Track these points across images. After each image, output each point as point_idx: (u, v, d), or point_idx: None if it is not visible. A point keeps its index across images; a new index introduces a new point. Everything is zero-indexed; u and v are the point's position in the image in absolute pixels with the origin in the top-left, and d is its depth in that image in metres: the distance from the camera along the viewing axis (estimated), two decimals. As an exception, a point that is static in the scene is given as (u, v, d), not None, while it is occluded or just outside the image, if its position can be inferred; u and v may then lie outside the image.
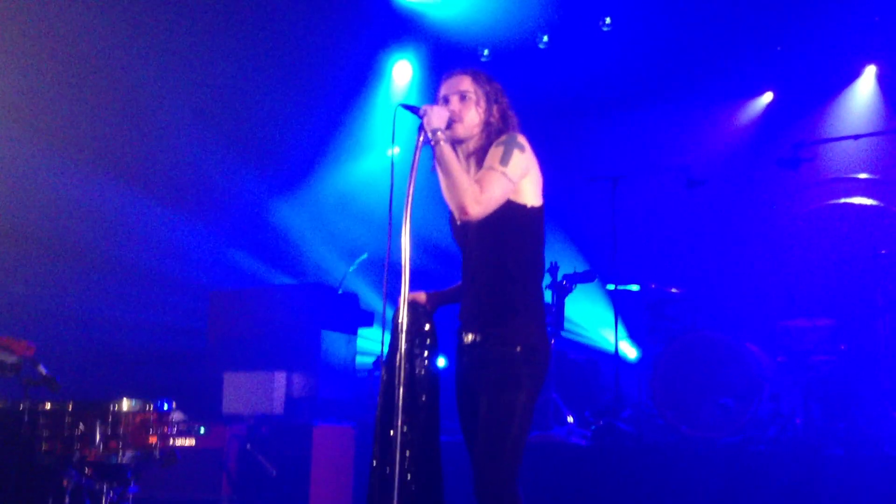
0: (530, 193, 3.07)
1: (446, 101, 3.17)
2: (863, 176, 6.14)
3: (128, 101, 7.14)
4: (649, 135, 7.91)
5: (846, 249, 5.74)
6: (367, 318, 7.04)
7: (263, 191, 8.29)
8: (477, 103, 3.16)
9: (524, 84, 7.38)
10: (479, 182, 2.99)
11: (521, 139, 3.07)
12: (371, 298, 7.57)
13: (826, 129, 7.43)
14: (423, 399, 3.13)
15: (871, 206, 5.78)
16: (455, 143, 3.15)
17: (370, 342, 7.38)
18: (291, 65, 8.03)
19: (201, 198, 7.78)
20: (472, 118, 3.14)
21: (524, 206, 3.06)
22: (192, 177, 7.63)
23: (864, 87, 7.66)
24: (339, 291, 6.80)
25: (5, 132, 6.42)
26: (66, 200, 6.81)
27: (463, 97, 3.15)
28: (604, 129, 8.10)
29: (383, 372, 3.17)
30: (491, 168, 3.00)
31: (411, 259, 2.92)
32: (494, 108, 3.18)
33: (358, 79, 8.62)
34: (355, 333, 6.96)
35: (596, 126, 8.14)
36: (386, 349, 3.20)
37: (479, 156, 3.13)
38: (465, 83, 3.18)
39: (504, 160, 2.99)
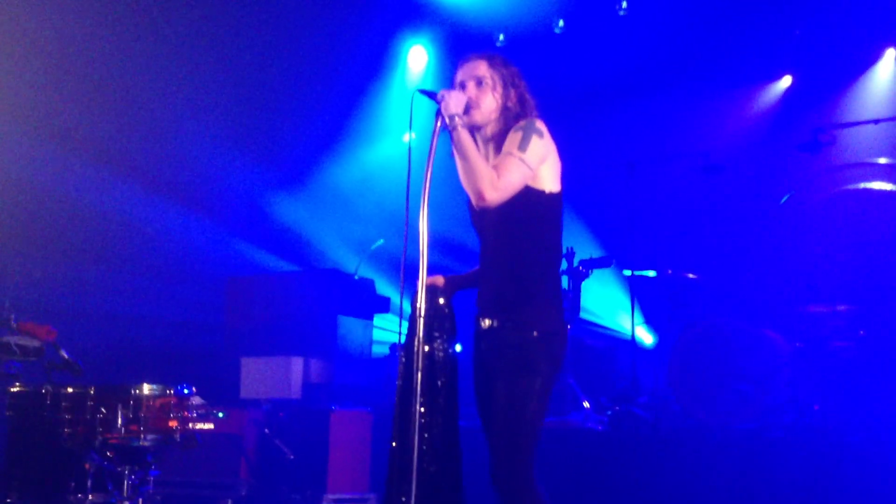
0: (548, 179, 3.06)
1: (463, 86, 3.16)
2: (883, 161, 6.09)
3: (140, 90, 7.15)
4: (666, 120, 7.85)
5: (865, 235, 5.69)
6: (384, 304, 7.05)
7: (278, 178, 8.30)
8: (494, 88, 3.14)
9: (540, 69, 7.32)
10: (496, 168, 2.98)
11: (540, 125, 3.05)
12: (387, 284, 7.58)
13: (846, 113, 7.35)
14: (442, 382, 3.14)
15: (891, 192, 5.73)
16: (473, 128, 3.14)
17: (386, 330, 7.40)
18: (305, 51, 8.03)
19: (216, 185, 7.80)
20: (490, 103, 3.13)
21: (542, 192, 3.05)
22: (206, 166, 7.65)
23: (885, 71, 7.58)
24: (356, 277, 6.82)
25: (20, 129, 6.47)
26: (84, 195, 6.85)
27: (479, 82, 3.14)
28: (621, 114, 8.05)
29: (402, 356, 3.19)
30: (509, 154, 2.99)
31: (428, 246, 2.92)
32: (512, 92, 3.16)
33: (372, 64, 8.60)
34: (371, 319, 6.98)
35: (613, 111, 8.09)
36: (404, 334, 3.21)
37: (498, 141, 3.12)
38: (482, 68, 3.16)
39: (522, 146, 2.98)
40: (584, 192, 7.34)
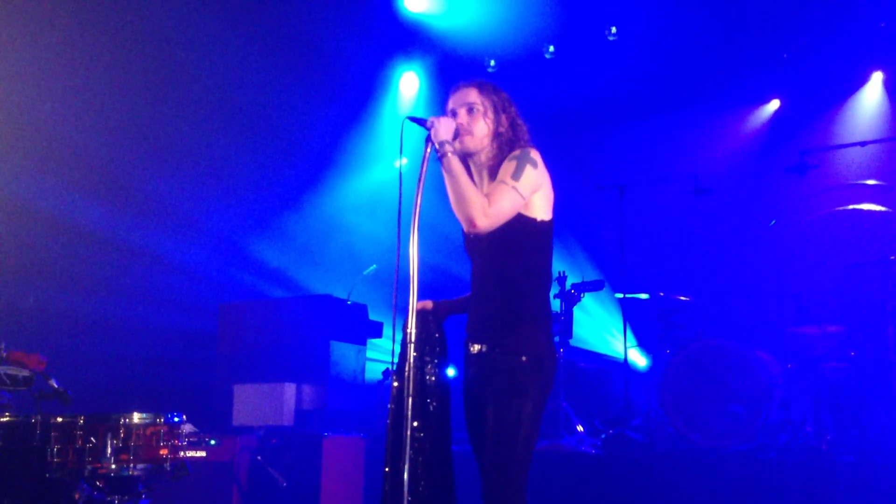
0: (541, 208, 3.09)
1: (454, 114, 3.18)
2: (870, 182, 6.14)
3: (134, 115, 7.18)
4: (656, 143, 7.91)
5: (855, 256, 5.73)
6: (377, 329, 7.04)
7: (271, 204, 8.32)
8: (485, 114, 3.17)
9: (531, 94, 7.38)
10: (489, 195, 3.01)
11: (535, 154, 3.08)
12: (380, 310, 7.57)
13: (833, 135, 7.42)
14: (434, 406, 3.14)
15: (879, 213, 5.77)
16: (466, 155, 3.17)
17: (380, 353, 7.38)
18: (298, 77, 8.07)
19: (210, 210, 7.81)
20: (482, 129, 3.15)
21: (534, 220, 3.08)
22: (198, 192, 7.66)
23: (871, 94, 7.66)
24: (349, 303, 6.82)
25: (13, 162, 6.50)
26: (76, 216, 6.86)
27: (470, 110, 3.17)
28: (611, 138, 8.11)
29: (394, 380, 3.19)
30: (502, 182, 3.02)
31: (418, 271, 2.94)
32: (503, 117, 3.18)
33: (364, 91, 8.65)
34: (364, 344, 6.96)
35: (603, 135, 8.15)
36: (397, 359, 3.21)
37: (492, 169, 3.14)
38: (472, 95, 3.19)
39: (516, 175, 3.01)
40: (576, 215, 7.37)
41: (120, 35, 6.95)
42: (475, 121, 3.15)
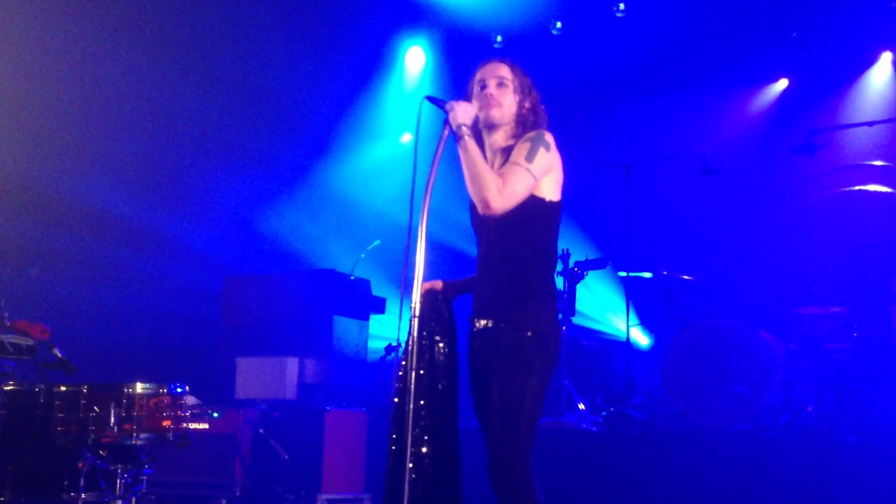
0: (550, 189, 3.11)
1: (483, 85, 3.19)
2: (878, 163, 6.11)
3: (143, 87, 7.16)
4: (663, 121, 7.86)
5: (860, 237, 5.71)
6: (379, 305, 7.05)
7: (276, 178, 8.30)
8: (514, 91, 3.19)
9: (537, 70, 7.27)
10: (502, 176, 3.02)
11: (548, 137, 3.10)
12: (383, 285, 7.58)
13: (841, 115, 7.37)
14: (443, 385, 3.16)
15: (885, 194, 5.75)
16: (489, 127, 3.17)
17: (382, 328, 7.40)
18: (303, 52, 8.03)
19: (213, 185, 7.80)
20: (511, 104, 3.17)
21: (543, 200, 3.09)
22: (204, 166, 7.65)
23: (880, 74, 7.60)
24: (352, 278, 6.82)
25: (19, 129, 6.48)
26: (80, 195, 6.85)
27: (501, 83, 3.19)
28: (617, 116, 8.06)
29: (403, 358, 3.20)
30: (516, 163, 3.03)
31: (425, 250, 2.95)
32: (527, 101, 3.20)
33: (370, 65, 8.61)
34: (367, 319, 6.97)
35: (609, 112, 8.10)
36: (404, 335, 3.22)
37: (508, 151, 3.15)
38: (504, 70, 3.21)
39: (530, 157, 3.03)
40: (581, 193, 7.34)
41: (123, 10, 6.91)
42: (504, 94, 3.17)
